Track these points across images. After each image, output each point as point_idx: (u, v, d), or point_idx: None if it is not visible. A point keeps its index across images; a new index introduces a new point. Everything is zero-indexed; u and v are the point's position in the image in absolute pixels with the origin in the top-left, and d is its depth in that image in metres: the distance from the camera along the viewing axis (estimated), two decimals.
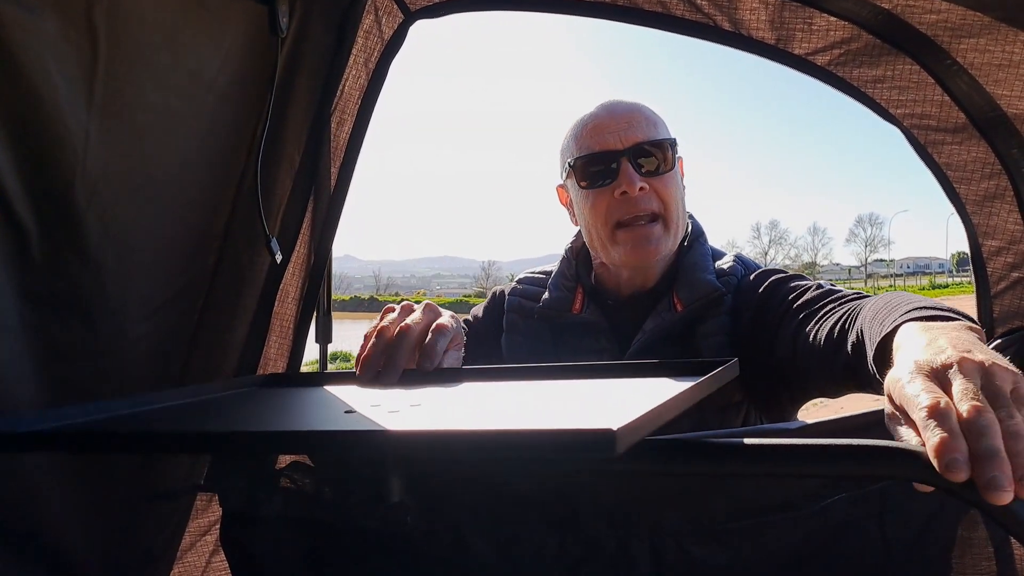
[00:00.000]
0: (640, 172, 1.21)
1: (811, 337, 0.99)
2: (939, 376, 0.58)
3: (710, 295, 1.22)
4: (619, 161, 1.21)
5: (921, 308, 0.76)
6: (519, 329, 1.35)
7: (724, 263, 1.29)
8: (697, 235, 1.33)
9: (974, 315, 1.13)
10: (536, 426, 0.51)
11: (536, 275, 1.44)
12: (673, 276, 1.28)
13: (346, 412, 0.74)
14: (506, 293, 1.42)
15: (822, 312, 1.01)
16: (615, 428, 0.46)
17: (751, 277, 1.24)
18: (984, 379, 0.57)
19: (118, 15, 0.89)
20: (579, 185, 1.27)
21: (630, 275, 1.29)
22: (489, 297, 1.46)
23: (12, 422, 0.70)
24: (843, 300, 1.01)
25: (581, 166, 1.25)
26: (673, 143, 1.25)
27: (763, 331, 1.14)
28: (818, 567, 0.86)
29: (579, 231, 1.38)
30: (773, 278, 1.20)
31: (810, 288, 1.10)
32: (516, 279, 1.46)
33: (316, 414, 0.79)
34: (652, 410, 0.53)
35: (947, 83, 1.06)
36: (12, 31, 0.78)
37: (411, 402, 0.76)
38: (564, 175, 1.33)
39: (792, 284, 1.16)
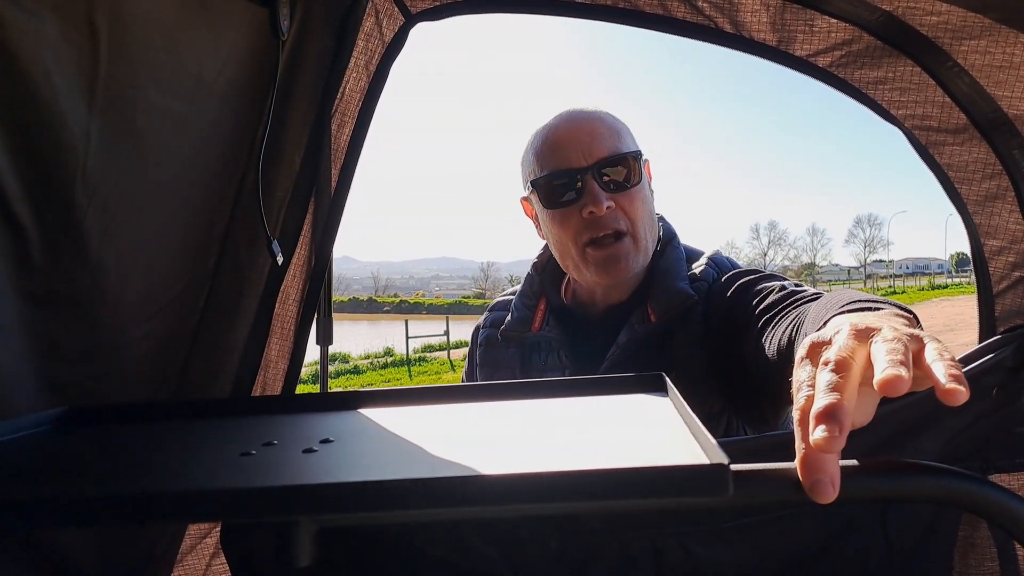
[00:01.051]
0: (606, 188, 1.16)
1: (769, 344, 0.94)
2: (819, 350, 0.54)
3: (683, 303, 1.19)
4: (583, 179, 1.16)
5: (856, 302, 0.72)
6: (490, 358, 1.34)
7: (696, 268, 1.26)
8: (669, 238, 1.29)
9: (975, 315, 1.13)
10: (621, 464, 0.42)
11: (506, 298, 1.42)
12: (647, 285, 1.24)
13: (243, 455, 0.58)
14: (479, 328, 1.41)
15: (780, 317, 0.97)
16: (726, 462, 0.41)
17: (722, 280, 1.21)
18: (853, 340, 0.52)
19: (119, 17, 0.89)
20: (543, 205, 1.22)
21: (603, 291, 1.26)
22: (470, 340, 1.45)
23: None
24: (799, 302, 0.96)
25: (544, 184, 1.20)
26: (638, 154, 1.20)
27: (733, 338, 1.10)
28: (821, 567, 0.86)
29: (546, 245, 1.34)
30: (740, 282, 1.16)
31: (773, 291, 1.05)
32: (489, 307, 1.45)
33: (208, 458, 0.61)
34: (707, 434, 0.47)
35: (948, 84, 1.06)
36: (13, 33, 0.78)
37: (318, 437, 0.62)
38: (527, 190, 1.28)
39: (757, 288, 1.10)
